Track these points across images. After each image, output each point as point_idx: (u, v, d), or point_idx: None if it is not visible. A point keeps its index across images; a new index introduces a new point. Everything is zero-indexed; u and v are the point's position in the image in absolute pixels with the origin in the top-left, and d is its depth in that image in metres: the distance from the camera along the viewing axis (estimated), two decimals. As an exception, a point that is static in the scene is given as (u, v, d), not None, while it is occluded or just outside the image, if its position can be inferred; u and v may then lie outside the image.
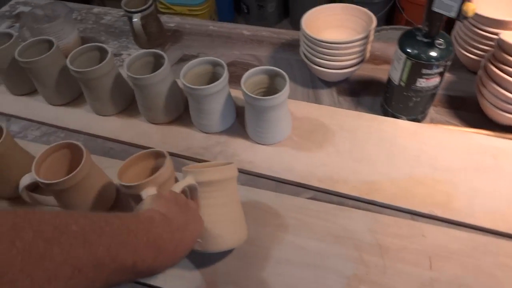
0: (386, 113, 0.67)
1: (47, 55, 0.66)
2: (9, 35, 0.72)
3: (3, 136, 0.54)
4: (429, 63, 0.55)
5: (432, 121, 0.67)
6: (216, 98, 0.61)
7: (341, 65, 0.67)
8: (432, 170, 0.58)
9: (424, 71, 0.56)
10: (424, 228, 0.53)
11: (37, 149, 0.63)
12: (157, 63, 0.66)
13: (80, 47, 0.67)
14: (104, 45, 0.66)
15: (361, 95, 0.72)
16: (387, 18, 1.90)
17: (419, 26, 0.57)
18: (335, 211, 0.56)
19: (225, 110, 0.63)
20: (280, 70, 0.59)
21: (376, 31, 1.36)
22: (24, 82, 0.74)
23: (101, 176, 0.56)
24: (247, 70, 0.79)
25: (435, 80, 0.58)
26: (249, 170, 0.61)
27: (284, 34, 0.87)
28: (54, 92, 0.71)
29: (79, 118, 0.71)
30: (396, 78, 0.61)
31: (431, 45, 0.55)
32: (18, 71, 0.71)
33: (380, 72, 0.75)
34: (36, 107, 0.74)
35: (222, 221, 0.48)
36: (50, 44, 0.69)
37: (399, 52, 0.58)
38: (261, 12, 2.10)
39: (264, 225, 0.54)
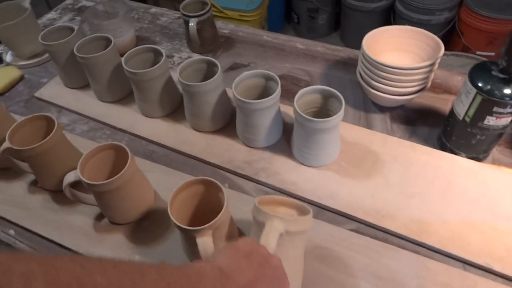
0: (443, 148, 0.62)
1: (103, 52, 0.67)
2: (71, 29, 0.74)
3: (54, 129, 0.55)
4: (502, 101, 0.50)
5: (495, 162, 0.61)
6: (266, 113, 0.59)
7: (400, 91, 0.63)
8: (492, 217, 0.53)
9: (496, 109, 0.52)
10: (478, 281, 0.48)
11: (83, 144, 0.65)
12: (210, 70, 0.65)
13: (136, 47, 0.67)
14: (159, 48, 0.66)
15: (416, 124, 0.67)
16: (444, 40, 1.81)
17: (495, 60, 0.52)
18: (379, 248, 0.52)
19: (272, 126, 0.61)
20: (336, 92, 0.56)
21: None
22: (78, 76, 0.76)
23: (142, 180, 0.55)
24: (297, 85, 0.77)
25: (506, 120, 0.53)
26: (291, 192, 0.58)
27: (339, 51, 0.83)
28: (106, 89, 0.72)
29: (126, 117, 0.72)
30: (461, 113, 0.56)
31: (508, 82, 0.50)
32: (74, 65, 0.72)
33: (440, 102, 0.70)
34: (87, 102, 0.75)
35: (298, 276, 0.44)
36: (107, 41, 0.70)
37: (469, 85, 0.53)
38: (312, 23, 2.08)
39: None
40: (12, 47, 0.87)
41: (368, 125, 0.68)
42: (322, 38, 2.12)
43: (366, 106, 0.71)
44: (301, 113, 0.54)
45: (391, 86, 0.63)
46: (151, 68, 0.63)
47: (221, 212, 0.44)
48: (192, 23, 0.78)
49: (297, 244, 0.43)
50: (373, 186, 0.58)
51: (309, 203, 0.57)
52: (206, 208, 0.49)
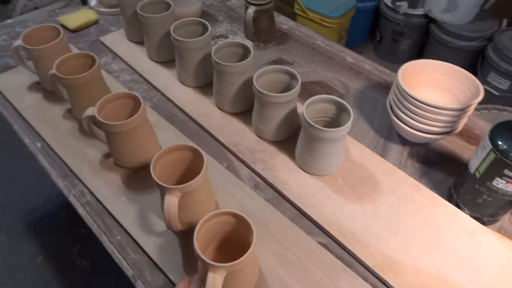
0: (450, 199, 0.59)
1: (159, 15, 0.73)
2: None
3: (95, 65, 0.62)
4: (515, 166, 0.47)
5: (501, 231, 0.57)
6: (279, 108, 0.60)
7: (425, 128, 0.61)
8: (469, 282, 0.50)
9: (507, 172, 0.48)
10: (426, 337, 0.46)
11: (119, 90, 0.71)
12: (245, 55, 0.68)
13: (186, 18, 0.72)
14: (206, 23, 0.71)
15: (433, 167, 0.64)
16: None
17: (524, 121, 0.48)
18: (339, 270, 0.51)
19: (283, 122, 0.63)
20: (347, 105, 0.56)
21: (485, 108, 1.20)
22: (138, 31, 0.83)
23: (149, 133, 0.60)
24: (329, 94, 0.77)
25: (517, 187, 0.49)
26: (279, 189, 0.60)
27: (385, 74, 0.81)
28: (155, 49, 0.79)
29: (163, 78, 0.77)
30: (473, 166, 0.53)
31: (527, 148, 0.46)
32: (136, 21, 0.79)
33: (467, 151, 0.66)
34: (137, 57, 0.82)
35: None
36: (168, 6, 0.77)
37: (487, 140, 0.50)
38: (394, 45, 2.01)
39: (262, 246, 0.53)
40: (98, -7, 0.97)
41: (383, 153, 0.66)
42: (401, 63, 2.03)
43: (389, 135, 0.69)
44: (306, 116, 0.54)
45: (416, 121, 0.61)
46: (193, 39, 0.67)
47: (194, 180, 0.47)
48: (250, 10, 0.81)
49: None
50: (359, 210, 0.57)
51: (292, 204, 0.58)
52: (192, 175, 0.52)
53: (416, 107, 0.60)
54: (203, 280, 0.42)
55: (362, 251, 0.53)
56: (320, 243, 0.54)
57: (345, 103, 0.57)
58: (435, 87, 0.65)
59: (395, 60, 2.04)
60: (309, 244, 0.54)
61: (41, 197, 1.42)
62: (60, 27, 0.70)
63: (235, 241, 0.48)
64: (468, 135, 0.69)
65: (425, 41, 1.95)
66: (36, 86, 0.76)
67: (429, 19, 1.85)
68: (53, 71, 0.62)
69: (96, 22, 0.95)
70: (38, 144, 0.67)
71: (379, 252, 0.53)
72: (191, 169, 0.53)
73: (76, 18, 0.92)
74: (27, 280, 1.21)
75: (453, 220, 0.56)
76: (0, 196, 1.42)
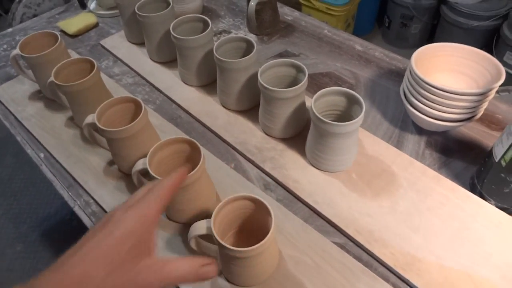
0: (473, 189, 0.55)
1: (157, 14, 0.70)
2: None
3: (94, 71, 0.60)
4: (546, 152, 0.43)
5: (531, 221, 0.53)
6: (286, 103, 0.58)
7: (443, 116, 0.57)
8: (498, 278, 0.46)
9: (536, 159, 0.44)
10: None
11: (122, 95, 0.69)
12: (248, 50, 0.65)
13: (187, 15, 0.69)
14: (207, 19, 0.68)
15: (453, 156, 0.60)
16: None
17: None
18: (358, 271, 0.48)
19: (292, 118, 0.60)
20: (359, 98, 0.53)
21: (505, 90, 1.15)
22: (138, 32, 0.81)
23: (152, 137, 0.57)
24: (339, 85, 0.74)
25: (548, 175, 0.45)
26: (290, 189, 0.57)
27: (397, 60, 0.77)
28: (156, 49, 0.76)
29: (165, 79, 0.75)
30: (498, 154, 0.49)
31: (558, 132, 0.43)
32: (136, 21, 0.77)
33: (489, 138, 0.62)
34: (138, 58, 0.80)
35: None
36: (167, 4, 0.74)
37: (513, 125, 0.46)
38: (403, 31, 1.95)
39: (276, 251, 0.50)
40: (96, -4, 0.95)
41: (398, 145, 0.63)
42: (411, 49, 1.98)
43: (404, 125, 0.65)
44: (315, 111, 0.51)
45: (433, 109, 0.57)
46: (193, 37, 0.65)
47: (192, 172, 0.46)
48: (253, 3, 0.78)
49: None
50: (376, 207, 0.54)
51: (305, 204, 0.56)
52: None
53: (433, 94, 0.56)
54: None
55: (381, 250, 0.50)
56: (337, 244, 0.51)
57: (356, 94, 0.53)
58: (452, 71, 0.61)
59: (406, 45, 1.98)
60: (325, 246, 0.51)
61: (54, 205, 1.42)
62: (57, 33, 0.68)
63: (253, 227, 0.47)
64: (489, 120, 0.65)
65: (436, 24, 1.88)
66: (37, 95, 0.74)
67: (439, 1, 1.78)
68: (51, 78, 0.60)
69: (96, 25, 0.93)
70: (41, 155, 0.66)
71: (400, 250, 0.49)
72: (189, 162, 0.52)
73: (76, 22, 0.91)
74: (45, 288, 1.21)
75: (478, 212, 0.52)
76: (13, 206, 1.42)
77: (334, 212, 0.54)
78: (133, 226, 0.32)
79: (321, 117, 0.51)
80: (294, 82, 0.60)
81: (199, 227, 0.44)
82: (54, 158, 0.64)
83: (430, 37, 1.97)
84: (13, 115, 0.72)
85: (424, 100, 0.57)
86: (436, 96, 0.56)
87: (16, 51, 0.67)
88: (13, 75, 0.80)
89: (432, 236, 0.51)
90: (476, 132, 0.63)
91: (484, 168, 0.53)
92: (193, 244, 0.46)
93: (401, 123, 0.66)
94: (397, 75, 0.74)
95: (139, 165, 0.51)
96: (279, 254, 0.50)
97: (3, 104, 0.74)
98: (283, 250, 0.50)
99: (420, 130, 0.64)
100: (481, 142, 0.62)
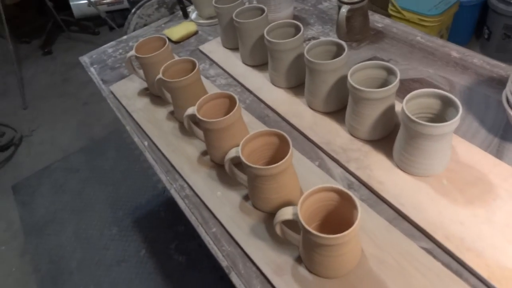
0: None
1: (253, 20, 0.76)
2: (239, -2, 0.85)
3: (195, 70, 0.66)
4: None
5: None
6: (374, 105, 0.58)
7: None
8: None
9: None
10: None
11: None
12: (338, 53, 0.66)
13: (279, 21, 0.73)
14: (299, 24, 0.71)
15: None
16: None
17: None
18: (447, 279, 0.46)
19: (379, 120, 0.59)
20: (456, 100, 0.51)
21: None
22: (233, 38, 0.87)
23: (242, 131, 0.62)
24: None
25: None
26: (375, 190, 0.56)
27: (499, 68, 0.72)
28: (249, 53, 0.82)
29: (256, 81, 0.80)
30: None
31: None
32: (232, 28, 0.84)
33: None
34: (232, 62, 0.87)
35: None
36: (262, 11, 0.79)
37: None
38: (505, 42, 1.78)
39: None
40: (197, 7, 1.05)
41: (498, 154, 0.58)
42: (514, 62, 1.80)
43: (504, 134, 0.61)
44: (406, 111, 0.51)
45: (541, 116, 0.53)
46: (285, 40, 0.68)
47: (281, 162, 0.48)
48: (344, 9, 0.80)
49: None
50: (469, 215, 0.51)
51: (389, 206, 0.55)
52: (278, 161, 0.51)
53: (541, 100, 0.52)
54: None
55: (474, 260, 0.47)
56: (423, 248, 0.49)
57: (452, 96, 0.51)
58: None
59: (507, 58, 1.81)
60: (410, 249, 0.49)
61: (145, 196, 1.56)
62: (165, 37, 0.77)
63: (336, 222, 0.48)
64: None
65: (547, 35, 1.69)
66: (144, 92, 0.84)
67: (551, 10, 1.61)
68: (160, 75, 0.69)
69: (196, 33, 1.02)
70: (146, 143, 0.74)
71: (496, 262, 0.46)
72: (277, 154, 0.54)
73: (179, 30, 1.01)
74: (132, 270, 1.34)
75: None
76: (112, 194, 1.60)
77: (421, 216, 0.52)
78: None
79: (413, 118, 0.50)
80: (384, 85, 0.60)
81: (286, 213, 0.46)
82: (156, 146, 0.72)
83: (538, 50, 1.78)
84: (124, 108, 0.82)
85: (531, 107, 0.53)
86: (546, 102, 0.51)
87: (132, 52, 0.77)
88: (126, 75, 0.92)
89: (535, 252, 0.46)
90: None
91: None
92: (278, 230, 0.49)
93: (502, 131, 0.61)
94: (499, 82, 0.69)
95: (232, 153, 0.55)
96: (361, 252, 0.50)
97: (117, 99, 0.85)
98: (366, 249, 0.50)
99: (524, 141, 0.59)
100: None
